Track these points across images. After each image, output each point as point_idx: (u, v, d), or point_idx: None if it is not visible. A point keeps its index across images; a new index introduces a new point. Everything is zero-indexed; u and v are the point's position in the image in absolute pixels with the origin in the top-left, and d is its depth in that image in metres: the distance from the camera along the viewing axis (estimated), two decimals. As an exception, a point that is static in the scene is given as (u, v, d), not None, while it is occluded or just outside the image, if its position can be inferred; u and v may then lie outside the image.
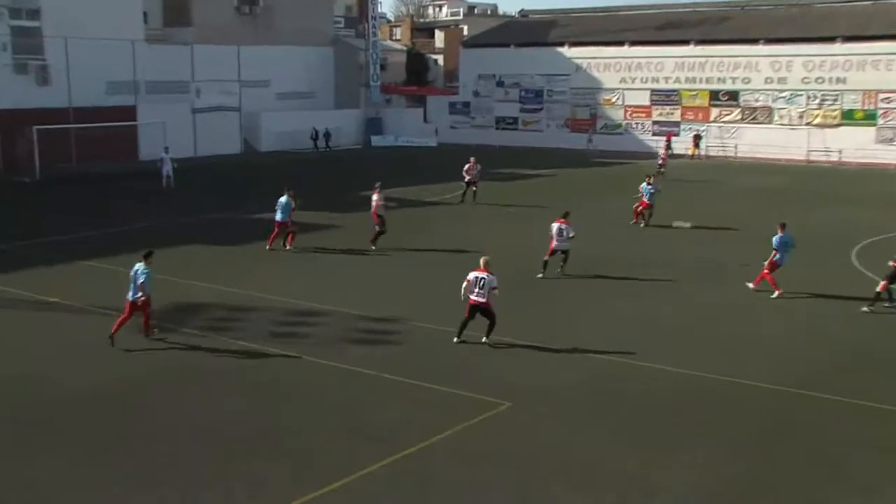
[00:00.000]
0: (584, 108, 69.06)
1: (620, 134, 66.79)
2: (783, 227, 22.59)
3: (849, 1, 66.64)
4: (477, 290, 17.21)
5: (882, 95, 57.46)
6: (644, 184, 32.52)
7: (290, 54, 67.28)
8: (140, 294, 17.51)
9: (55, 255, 26.58)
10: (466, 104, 74.78)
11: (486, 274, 17.24)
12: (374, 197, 28.02)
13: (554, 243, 23.83)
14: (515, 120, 72.20)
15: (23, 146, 47.23)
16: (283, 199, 27.35)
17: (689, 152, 60.14)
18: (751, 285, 22.86)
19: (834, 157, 57.18)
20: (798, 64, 60.27)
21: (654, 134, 65.53)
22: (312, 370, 16.54)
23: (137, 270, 17.60)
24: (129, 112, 55.16)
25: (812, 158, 57.91)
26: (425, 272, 24.80)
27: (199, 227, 32.12)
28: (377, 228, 27.74)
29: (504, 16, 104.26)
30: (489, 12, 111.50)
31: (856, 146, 57.01)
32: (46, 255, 26.63)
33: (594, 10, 79.55)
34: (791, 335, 19.16)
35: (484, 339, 17.59)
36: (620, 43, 67.54)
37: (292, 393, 15.37)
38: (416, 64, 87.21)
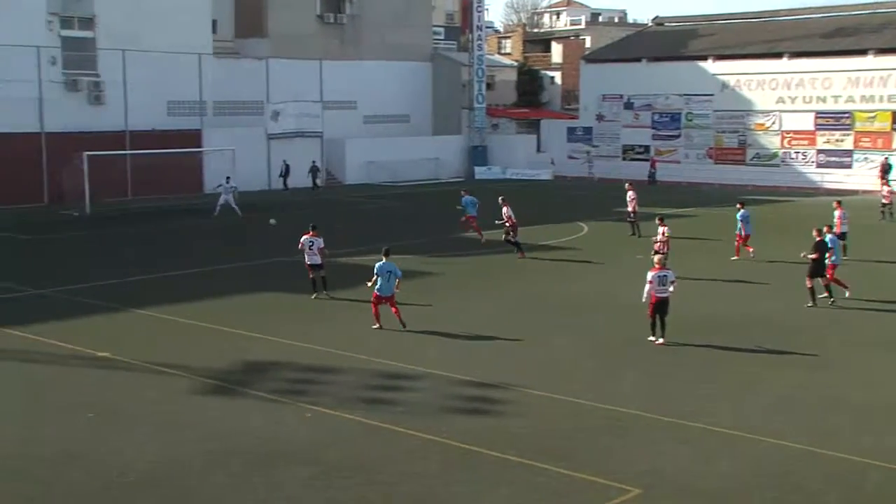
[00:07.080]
0: (731, 135, 68.06)
1: (776, 165, 65.65)
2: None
3: None
4: (660, 287, 21.88)
5: None
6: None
7: (381, 70, 67.98)
8: None
9: (105, 303, 26.93)
10: (588, 130, 74.50)
11: (666, 271, 22.18)
12: (504, 210, 35.75)
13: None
14: (646, 148, 71.52)
15: (71, 175, 48.17)
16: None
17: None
18: None
19: None
20: None
21: (818, 165, 64.10)
22: (403, 444, 16.20)
23: None
24: (194, 137, 56.47)
25: None
26: (540, 329, 24.39)
27: (268, 272, 32.37)
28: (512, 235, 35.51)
29: (634, 24, 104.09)
30: (616, 20, 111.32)
31: None
32: (95, 302, 26.99)
33: (744, 15, 78.69)
34: None
35: (661, 340, 22.11)
36: (777, 55, 66.64)
37: (381, 473, 14.95)
38: (529, 82, 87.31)
